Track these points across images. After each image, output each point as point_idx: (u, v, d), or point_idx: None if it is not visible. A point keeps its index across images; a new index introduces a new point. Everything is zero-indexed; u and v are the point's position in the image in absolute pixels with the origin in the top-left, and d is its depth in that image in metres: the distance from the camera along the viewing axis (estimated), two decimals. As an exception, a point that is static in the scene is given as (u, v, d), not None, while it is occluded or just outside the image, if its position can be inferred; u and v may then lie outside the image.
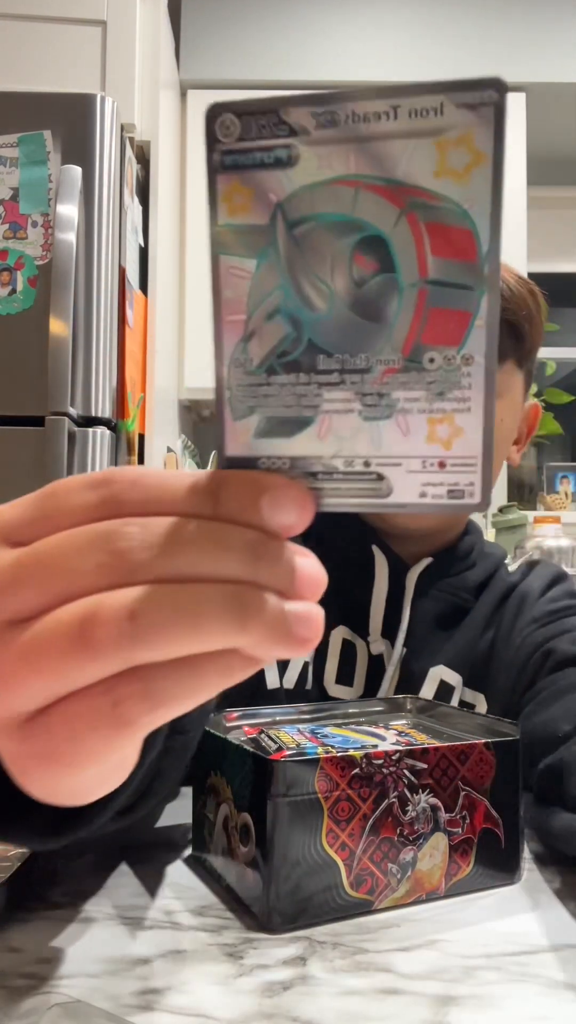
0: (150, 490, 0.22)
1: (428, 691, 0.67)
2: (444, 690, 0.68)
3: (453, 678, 0.68)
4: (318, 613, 0.22)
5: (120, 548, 0.21)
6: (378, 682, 0.67)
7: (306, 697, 0.66)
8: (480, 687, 0.69)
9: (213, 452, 2.31)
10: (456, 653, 0.69)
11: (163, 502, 0.22)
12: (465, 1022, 0.31)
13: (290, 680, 0.67)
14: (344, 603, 0.69)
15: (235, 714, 0.51)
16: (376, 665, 0.68)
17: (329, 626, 0.62)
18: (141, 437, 1.84)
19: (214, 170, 0.22)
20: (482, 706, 0.68)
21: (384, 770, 0.41)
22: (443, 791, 0.42)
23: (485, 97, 0.20)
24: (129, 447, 1.76)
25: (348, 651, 0.68)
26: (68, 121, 1.66)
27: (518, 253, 2.26)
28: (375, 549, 0.70)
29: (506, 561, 0.77)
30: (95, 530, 0.22)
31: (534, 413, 0.75)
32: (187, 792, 0.61)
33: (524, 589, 0.73)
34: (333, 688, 0.68)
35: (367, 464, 0.23)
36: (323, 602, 0.23)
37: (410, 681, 0.67)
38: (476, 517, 2.50)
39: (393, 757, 0.41)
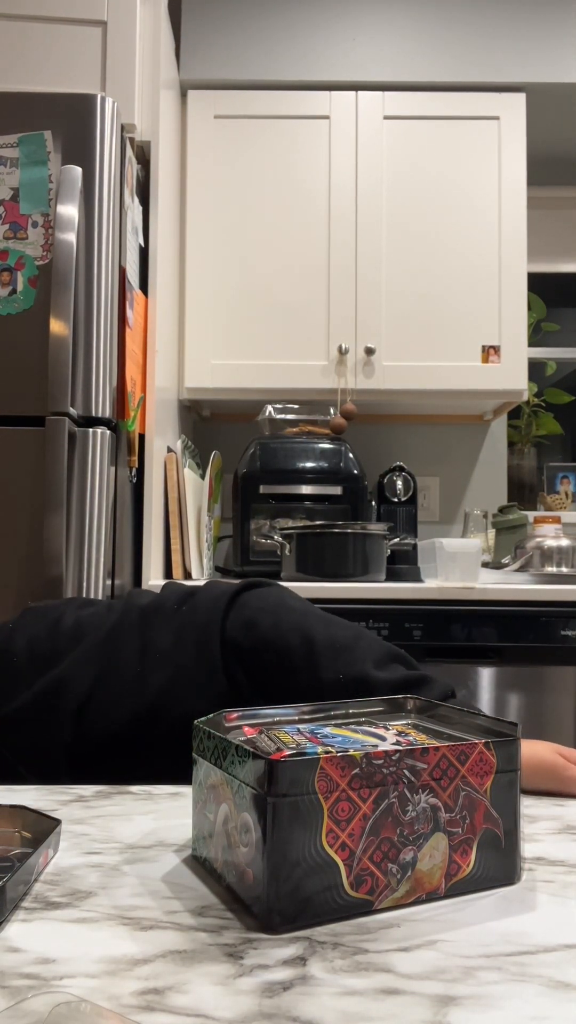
0: None
1: None
2: None
3: None
4: None
5: None
6: None
7: None
8: None
9: (213, 452, 2.31)
10: None
11: None
12: (465, 1022, 0.31)
13: None
14: None
15: (235, 714, 0.51)
16: None
17: None
18: (141, 437, 1.84)
19: None
20: None
21: (384, 770, 0.41)
22: (443, 791, 0.42)
23: None
24: (129, 447, 1.76)
25: None
26: (68, 121, 1.66)
27: (518, 253, 2.26)
28: None
29: None
30: None
31: None
32: (187, 792, 0.61)
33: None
34: None
35: None
36: None
37: None
38: (477, 516, 2.47)
39: (393, 757, 0.41)
